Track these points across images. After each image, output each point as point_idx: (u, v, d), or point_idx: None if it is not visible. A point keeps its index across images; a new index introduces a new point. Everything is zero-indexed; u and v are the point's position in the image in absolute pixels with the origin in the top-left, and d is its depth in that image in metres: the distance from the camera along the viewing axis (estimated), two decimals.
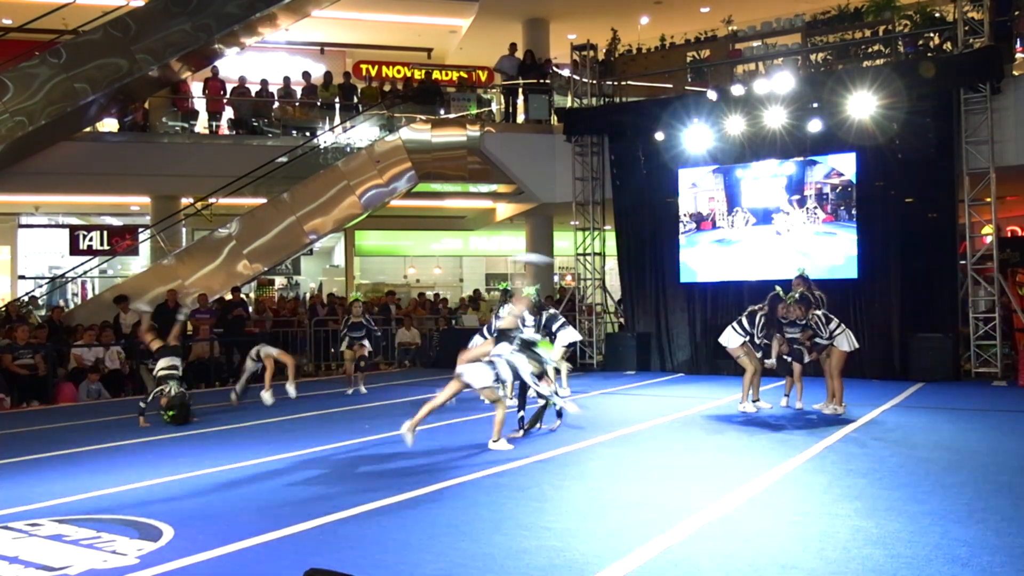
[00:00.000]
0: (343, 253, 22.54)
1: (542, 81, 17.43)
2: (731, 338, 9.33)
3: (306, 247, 17.22)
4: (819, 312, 9.04)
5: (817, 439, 7.54)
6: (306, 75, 18.66)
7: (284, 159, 16.50)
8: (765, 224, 13.52)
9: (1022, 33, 13.05)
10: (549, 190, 16.47)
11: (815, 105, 12.86)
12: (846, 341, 8.97)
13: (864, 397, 10.17)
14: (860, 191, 12.79)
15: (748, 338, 9.22)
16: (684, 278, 14.37)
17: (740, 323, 9.30)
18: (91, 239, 17.39)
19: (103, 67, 13.90)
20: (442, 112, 17.76)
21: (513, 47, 18.29)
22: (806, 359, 9.31)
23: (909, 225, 12.59)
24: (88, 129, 15.95)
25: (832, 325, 8.99)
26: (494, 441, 7.43)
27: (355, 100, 18.51)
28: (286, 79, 18.57)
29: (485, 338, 10.00)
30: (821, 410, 9.14)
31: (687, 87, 15.35)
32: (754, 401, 9.50)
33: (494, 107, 18.39)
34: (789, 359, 9.51)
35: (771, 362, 9.37)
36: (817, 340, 9.07)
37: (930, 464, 6.45)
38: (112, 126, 17.01)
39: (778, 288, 9.30)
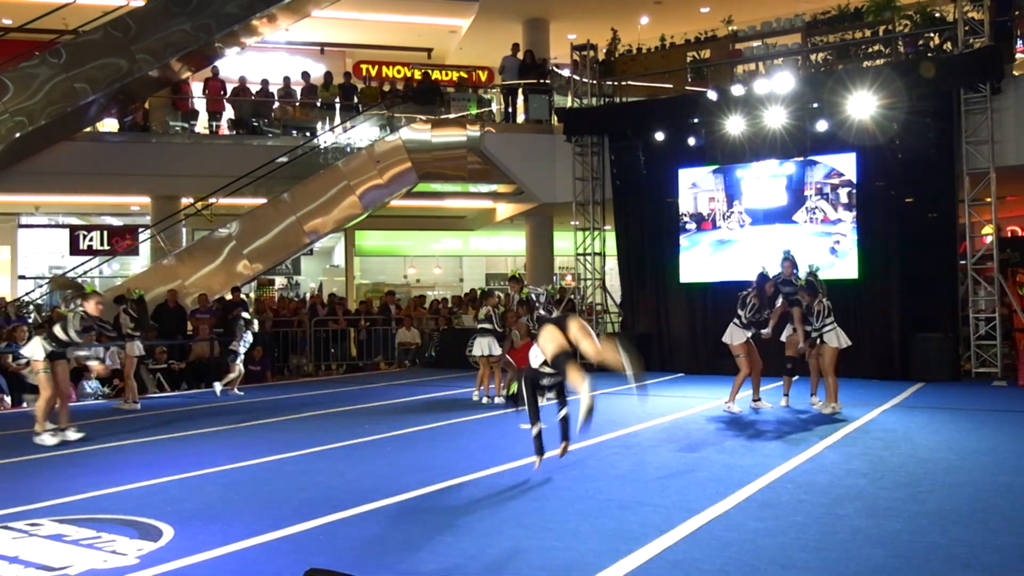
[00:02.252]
0: (343, 253, 22.54)
1: (542, 81, 17.43)
2: (734, 334, 9.29)
3: (306, 247, 17.23)
4: (826, 302, 9.03)
5: (817, 439, 7.54)
6: (305, 75, 18.66)
7: (284, 159, 16.50)
8: (765, 224, 13.52)
9: (1022, 33, 13.06)
10: (549, 190, 16.47)
11: (815, 105, 12.86)
12: (836, 338, 8.97)
13: (864, 397, 10.17)
14: (860, 191, 12.79)
15: (749, 332, 9.19)
16: (684, 278, 14.37)
17: (737, 315, 9.28)
18: (91, 239, 17.40)
19: (103, 67, 13.90)
20: (442, 112, 17.77)
21: (515, 47, 18.29)
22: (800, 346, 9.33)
23: (909, 225, 12.58)
24: (88, 129, 15.95)
25: (829, 319, 8.99)
26: None
27: (355, 100, 18.52)
28: (286, 79, 18.58)
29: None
30: (820, 411, 9.14)
31: (687, 87, 15.36)
32: (755, 401, 9.52)
33: (494, 107, 18.39)
34: (791, 365, 9.54)
35: (767, 332, 9.34)
36: (808, 327, 9.07)
37: (930, 464, 6.45)
38: (112, 126, 17.02)
39: (764, 267, 9.42)
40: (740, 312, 9.24)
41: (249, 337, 12.71)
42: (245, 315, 13.04)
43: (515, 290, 11.25)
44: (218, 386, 12.46)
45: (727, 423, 8.73)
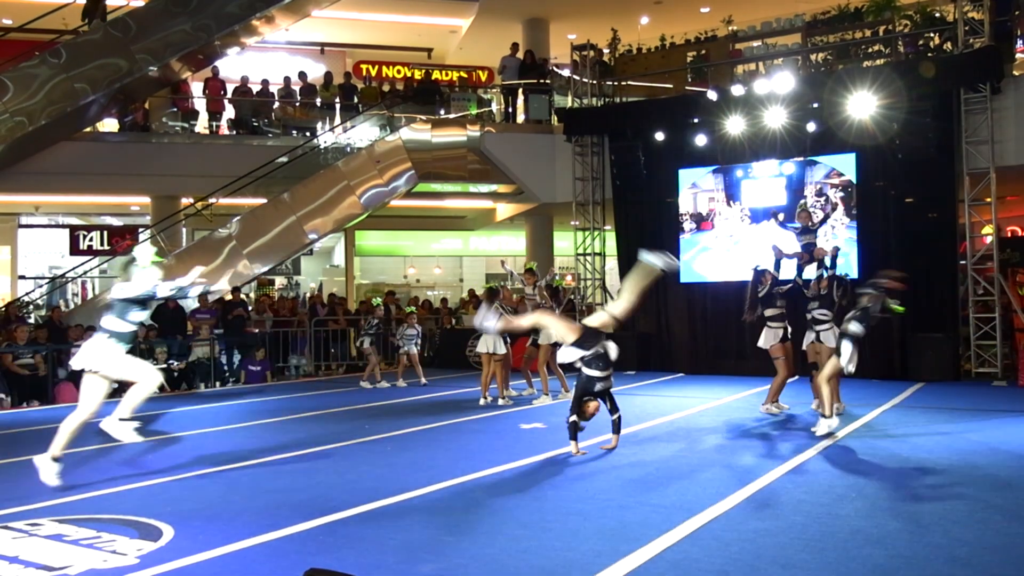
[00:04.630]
0: (343, 253, 22.54)
1: (542, 81, 17.44)
2: (769, 337, 9.18)
3: (306, 247, 17.22)
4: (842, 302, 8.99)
5: (817, 439, 7.54)
6: (302, 75, 18.66)
7: (284, 159, 16.50)
8: (765, 224, 13.51)
9: (1022, 33, 13.06)
10: (549, 190, 16.47)
11: (815, 105, 12.86)
12: (833, 339, 8.88)
13: (864, 397, 10.16)
14: (860, 191, 12.79)
15: (780, 332, 9.12)
16: (684, 278, 14.37)
17: (765, 316, 9.20)
18: (91, 239, 17.41)
19: (103, 67, 13.89)
20: (442, 112, 17.77)
21: (515, 47, 18.29)
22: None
23: (909, 225, 12.58)
24: (88, 129, 15.95)
25: (827, 316, 8.95)
26: None
27: (355, 100, 18.52)
28: (286, 79, 18.59)
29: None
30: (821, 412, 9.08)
31: (687, 87, 15.36)
32: (771, 403, 9.38)
33: (494, 107, 18.39)
34: (815, 372, 9.42)
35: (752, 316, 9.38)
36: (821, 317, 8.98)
37: (930, 464, 6.45)
38: (112, 126, 17.01)
39: (758, 264, 9.45)
40: (767, 310, 9.15)
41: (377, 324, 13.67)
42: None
43: (530, 283, 11.21)
44: (365, 383, 13.13)
45: (727, 423, 8.73)
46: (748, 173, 13.71)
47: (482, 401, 10.53)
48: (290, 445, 7.73)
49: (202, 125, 17.72)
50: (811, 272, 9.34)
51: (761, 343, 9.34)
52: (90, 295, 19.32)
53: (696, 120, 13.77)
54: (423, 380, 13.09)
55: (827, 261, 9.11)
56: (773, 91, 12.95)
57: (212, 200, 16.41)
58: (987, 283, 12.27)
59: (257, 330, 15.48)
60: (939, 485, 5.75)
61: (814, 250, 9.74)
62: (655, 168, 14.62)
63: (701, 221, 14.19)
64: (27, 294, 17.52)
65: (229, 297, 15.65)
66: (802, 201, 10.04)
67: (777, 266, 9.39)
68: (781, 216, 10.27)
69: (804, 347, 9.21)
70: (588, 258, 15.77)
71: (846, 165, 12.88)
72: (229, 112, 18.02)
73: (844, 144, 12.73)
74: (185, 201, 17.42)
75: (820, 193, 13.06)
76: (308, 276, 23.51)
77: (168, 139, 16.98)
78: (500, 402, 10.51)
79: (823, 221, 10.48)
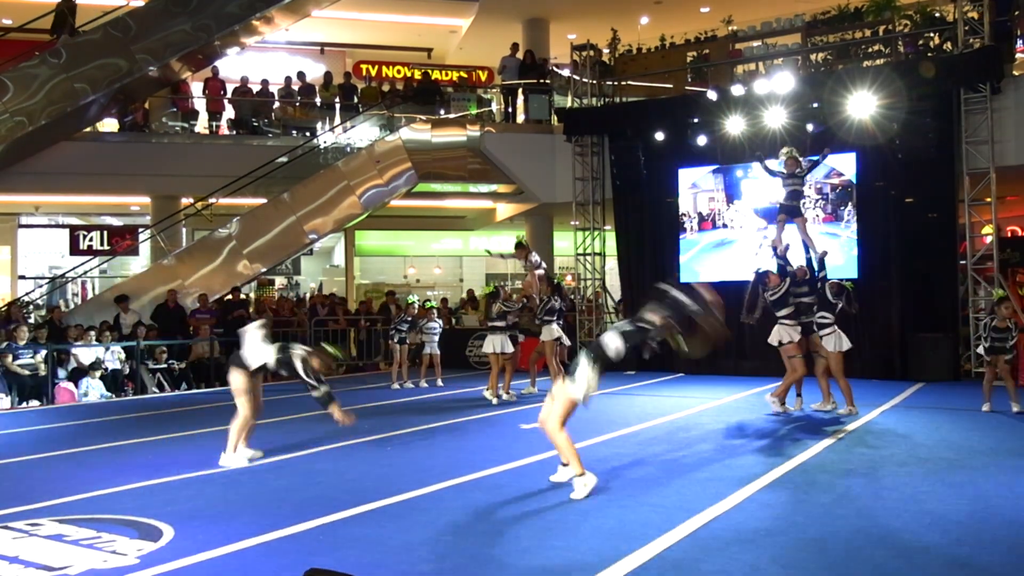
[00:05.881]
0: (343, 253, 22.54)
1: (542, 81, 17.44)
2: (782, 335, 9.15)
3: (306, 247, 17.22)
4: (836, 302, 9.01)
5: (817, 439, 7.54)
6: (301, 75, 18.64)
7: (284, 159, 16.50)
8: (765, 224, 13.51)
9: (1022, 33, 13.06)
10: (549, 190, 16.47)
11: (815, 105, 12.85)
12: (833, 342, 8.92)
13: (864, 397, 10.14)
14: (860, 191, 12.79)
15: (798, 330, 9.10)
16: (684, 278, 14.34)
17: (779, 317, 9.18)
18: (91, 239, 17.39)
19: (103, 67, 13.90)
20: (442, 112, 17.77)
21: (515, 47, 18.29)
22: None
23: (909, 225, 12.59)
24: (88, 129, 15.95)
25: (828, 319, 8.96)
26: None
27: (355, 100, 18.52)
28: (287, 79, 18.59)
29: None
30: (835, 411, 9.08)
31: (687, 87, 15.36)
32: (775, 397, 9.33)
33: (494, 107, 18.39)
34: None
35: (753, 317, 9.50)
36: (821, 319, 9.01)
37: (930, 464, 6.45)
38: (112, 126, 17.01)
39: (759, 267, 9.55)
40: (781, 310, 9.13)
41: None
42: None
43: (520, 257, 11.27)
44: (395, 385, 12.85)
45: (727, 423, 8.73)
46: (748, 173, 13.71)
47: (487, 395, 10.63)
48: (290, 445, 7.73)
49: (202, 125, 17.72)
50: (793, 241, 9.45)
51: (772, 340, 9.31)
52: (90, 295, 19.32)
53: (696, 120, 13.77)
54: (430, 382, 13.10)
55: (815, 264, 9.17)
56: (773, 91, 12.95)
57: (212, 200, 16.41)
58: (987, 283, 12.27)
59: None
60: (939, 485, 5.75)
61: (797, 207, 10.02)
62: (655, 168, 14.62)
63: (701, 221, 14.19)
64: (27, 294, 17.52)
65: (229, 297, 15.64)
66: (788, 148, 10.13)
67: (783, 271, 9.38)
68: (768, 162, 10.47)
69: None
70: (588, 258, 15.77)
71: (846, 165, 12.87)
72: (229, 112, 18.02)
73: (844, 144, 12.71)
74: (185, 201, 17.42)
75: (820, 192, 13.06)
76: (308, 276, 23.51)
77: (168, 139, 16.98)
78: (496, 400, 10.52)
79: (812, 169, 10.55)
